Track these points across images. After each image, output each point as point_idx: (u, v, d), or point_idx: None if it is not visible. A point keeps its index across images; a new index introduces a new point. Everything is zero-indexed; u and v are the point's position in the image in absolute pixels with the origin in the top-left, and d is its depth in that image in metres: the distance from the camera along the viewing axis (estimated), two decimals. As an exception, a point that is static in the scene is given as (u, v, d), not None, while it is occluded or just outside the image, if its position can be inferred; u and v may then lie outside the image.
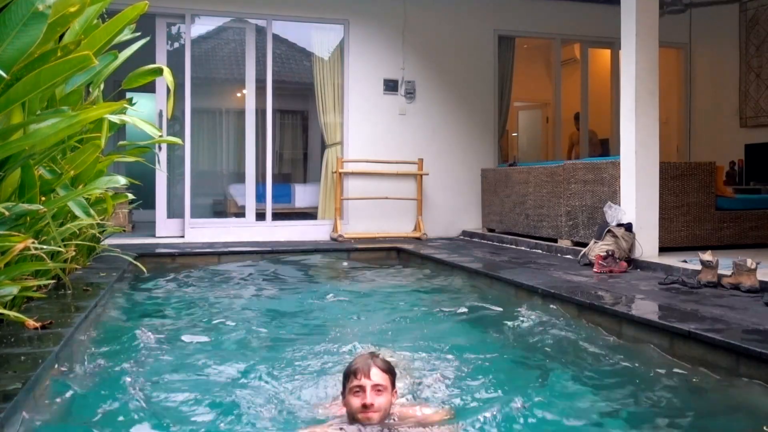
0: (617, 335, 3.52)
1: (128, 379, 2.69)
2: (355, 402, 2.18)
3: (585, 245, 5.80)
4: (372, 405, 2.16)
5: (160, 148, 7.15)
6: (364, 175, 8.25)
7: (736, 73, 9.04)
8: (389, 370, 2.26)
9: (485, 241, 7.86)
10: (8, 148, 2.59)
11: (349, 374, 2.23)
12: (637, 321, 3.43)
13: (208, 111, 9.11)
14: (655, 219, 5.51)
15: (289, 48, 9.44)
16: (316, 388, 2.76)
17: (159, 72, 4.22)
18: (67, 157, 3.74)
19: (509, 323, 3.89)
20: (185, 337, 3.63)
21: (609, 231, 5.38)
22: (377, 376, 2.20)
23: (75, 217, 3.63)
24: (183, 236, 7.66)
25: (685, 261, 5.02)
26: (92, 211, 3.55)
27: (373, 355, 2.30)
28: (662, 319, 3.36)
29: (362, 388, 2.18)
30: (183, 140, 7.45)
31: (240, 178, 8.42)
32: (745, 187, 8.20)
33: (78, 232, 4.28)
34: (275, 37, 8.29)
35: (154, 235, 7.69)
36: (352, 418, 2.20)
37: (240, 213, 8.30)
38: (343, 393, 2.27)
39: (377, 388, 2.18)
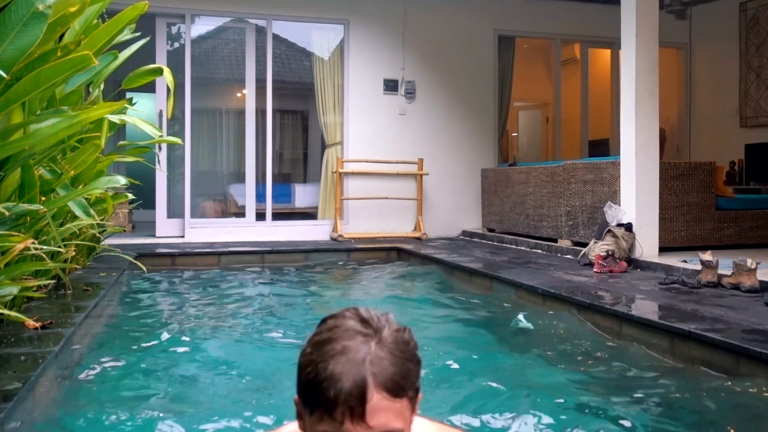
0: (617, 335, 3.52)
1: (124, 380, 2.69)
2: None
3: (585, 245, 5.80)
4: None
5: (160, 148, 7.14)
6: (364, 175, 8.25)
7: (736, 73, 9.03)
8: (407, 381, 0.97)
9: (485, 241, 7.86)
10: (8, 148, 2.59)
11: (316, 393, 0.94)
12: (637, 321, 3.43)
13: (208, 111, 9.11)
14: (655, 219, 5.51)
15: (289, 48, 9.43)
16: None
17: (159, 72, 4.22)
18: (67, 157, 3.75)
19: (508, 324, 3.89)
20: (174, 340, 3.58)
21: (609, 231, 5.38)
22: (384, 414, 0.94)
23: (75, 217, 3.63)
24: (183, 236, 7.65)
25: (685, 261, 5.02)
26: (92, 211, 3.55)
27: (373, 337, 0.97)
28: (662, 319, 3.36)
29: None
30: (183, 140, 7.44)
31: (240, 178, 8.41)
32: (745, 187, 8.19)
33: (78, 232, 4.28)
34: (275, 37, 8.29)
35: (154, 235, 7.69)
36: None
37: (240, 213, 8.30)
38: (302, 418, 1.00)
39: None
